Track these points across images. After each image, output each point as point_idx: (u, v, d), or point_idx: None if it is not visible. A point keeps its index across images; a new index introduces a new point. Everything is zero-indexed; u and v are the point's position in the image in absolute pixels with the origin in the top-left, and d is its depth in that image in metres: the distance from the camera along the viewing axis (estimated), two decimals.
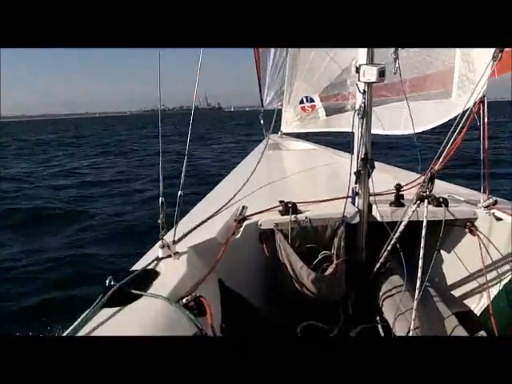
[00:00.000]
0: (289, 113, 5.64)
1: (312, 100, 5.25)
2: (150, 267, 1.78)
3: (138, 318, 1.40)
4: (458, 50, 3.45)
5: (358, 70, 2.20)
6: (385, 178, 3.02)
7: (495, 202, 2.42)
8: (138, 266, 1.81)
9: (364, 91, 2.25)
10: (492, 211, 2.40)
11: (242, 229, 2.37)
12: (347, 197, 2.45)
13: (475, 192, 2.74)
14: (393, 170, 3.88)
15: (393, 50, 2.19)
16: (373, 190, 2.43)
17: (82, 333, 1.27)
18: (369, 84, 2.23)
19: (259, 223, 2.42)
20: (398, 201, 2.48)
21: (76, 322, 1.32)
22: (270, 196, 2.84)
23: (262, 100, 7.08)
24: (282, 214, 2.43)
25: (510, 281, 2.29)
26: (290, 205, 2.44)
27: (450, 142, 2.09)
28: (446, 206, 2.33)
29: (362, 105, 2.27)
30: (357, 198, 2.47)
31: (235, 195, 2.82)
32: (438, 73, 3.70)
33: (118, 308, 1.42)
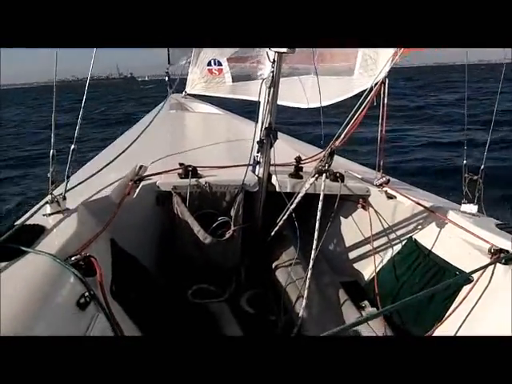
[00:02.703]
0: (195, 74, 5.43)
1: (220, 64, 5.10)
2: (36, 223, 1.61)
3: (22, 276, 1.25)
4: None
5: None
6: (287, 149, 3.06)
7: (388, 181, 2.56)
8: (23, 221, 1.63)
9: (274, 60, 2.21)
10: (384, 189, 2.55)
11: (138, 189, 2.28)
12: (248, 165, 2.44)
13: (371, 170, 2.87)
14: (295, 143, 3.95)
15: None
16: (274, 160, 2.44)
17: None
18: (279, 54, 2.20)
19: (157, 185, 2.34)
20: (298, 173, 2.53)
21: None
22: (169, 158, 2.75)
23: (168, 55, 6.72)
24: (182, 177, 2.37)
25: (395, 254, 2.45)
26: (190, 168, 2.38)
27: (352, 121, 2.15)
28: (342, 181, 2.42)
29: (271, 74, 2.24)
30: (257, 166, 2.47)
31: (133, 154, 2.68)
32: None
33: None
